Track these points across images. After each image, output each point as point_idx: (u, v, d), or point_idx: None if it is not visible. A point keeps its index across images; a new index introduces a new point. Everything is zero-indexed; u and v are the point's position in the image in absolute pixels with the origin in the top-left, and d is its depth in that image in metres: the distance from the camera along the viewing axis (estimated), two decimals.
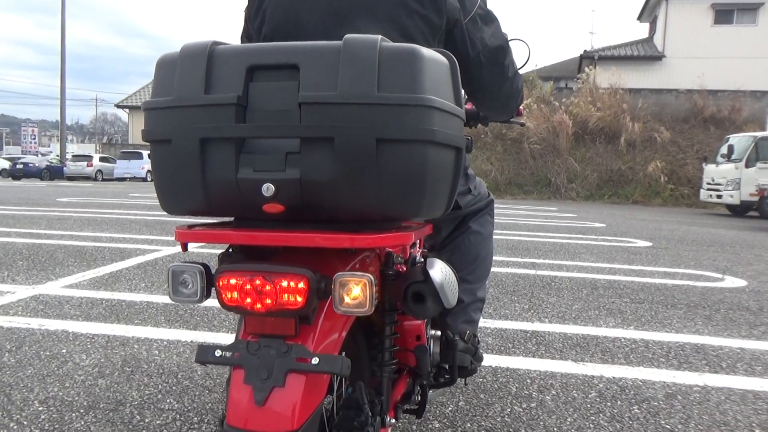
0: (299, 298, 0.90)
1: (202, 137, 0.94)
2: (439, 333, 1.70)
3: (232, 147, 0.94)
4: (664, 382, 2.48)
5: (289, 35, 1.37)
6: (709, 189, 14.68)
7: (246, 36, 1.53)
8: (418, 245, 1.53)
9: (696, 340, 3.14)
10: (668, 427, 2.04)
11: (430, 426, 1.98)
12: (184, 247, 1.04)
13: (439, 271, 1.09)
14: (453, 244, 1.72)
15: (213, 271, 0.98)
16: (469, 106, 1.95)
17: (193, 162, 0.95)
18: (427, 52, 0.96)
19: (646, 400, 2.26)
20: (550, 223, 10.03)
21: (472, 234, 1.72)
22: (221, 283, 0.93)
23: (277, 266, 0.92)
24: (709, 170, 14.81)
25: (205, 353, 0.95)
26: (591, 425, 2.03)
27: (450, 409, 2.13)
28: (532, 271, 5.06)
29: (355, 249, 1.04)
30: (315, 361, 0.90)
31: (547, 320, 3.43)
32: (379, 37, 0.94)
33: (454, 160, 1.08)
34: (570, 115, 19.33)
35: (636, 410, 2.17)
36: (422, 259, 1.29)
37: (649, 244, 7.43)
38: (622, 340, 3.09)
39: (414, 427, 1.97)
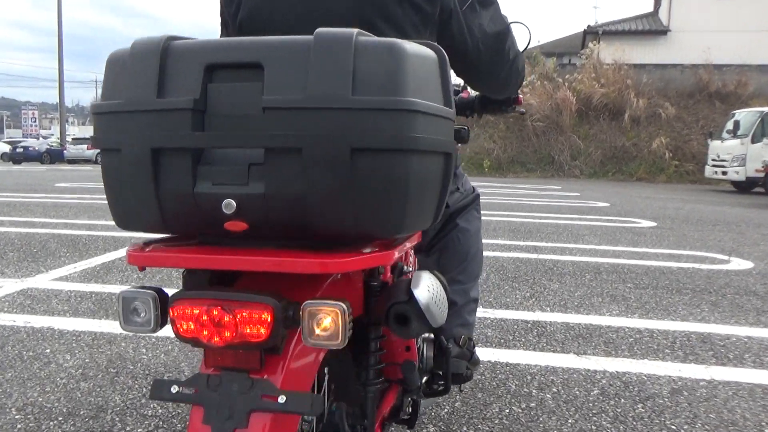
0: (263, 330, 0.80)
1: (154, 147, 0.83)
2: (432, 336, 1.61)
3: (188, 157, 0.83)
4: (669, 376, 2.39)
5: (265, 23, 1.25)
6: (714, 165, 14.49)
7: (222, 23, 1.41)
8: (407, 253, 1.43)
9: (702, 328, 3.04)
10: (674, 427, 1.95)
11: (424, 430, 1.90)
12: (142, 268, 0.93)
13: (425, 289, 0.98)
14: (441, 244, 1.62)
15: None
16: (465, 94, 1.85)
17: (145, 174, 0.84)
18: (411, 46, 0.85)
19: (651, 398, 2.17)
20: (553, 203, 9.91)
21: (459, 231, 1.62)
22: (175, 313, 0.83)
23: (238, 294, 0.82)
24: (715, 146, 14.59)
25: (160, 389, 0.85)
26: (593, 427, 1.94)
27: (446, 411, 2.04)
28: (534, 255, 4.96)
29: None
30: (282, 399, 0.81)
31: (548, 309, 3.34)
32: (356, 30, 0.82)
33: (443, 167, 0.97)
34: (573, 91, 19.04)
35: (640, 409, 2.07)
36: (410, 269, 1.19)
37: (654, 224, 7.31)
38: (626, 329, 2.99)
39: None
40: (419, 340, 1.54)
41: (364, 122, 0.79)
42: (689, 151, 17.88)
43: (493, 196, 10.53)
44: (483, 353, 2.57)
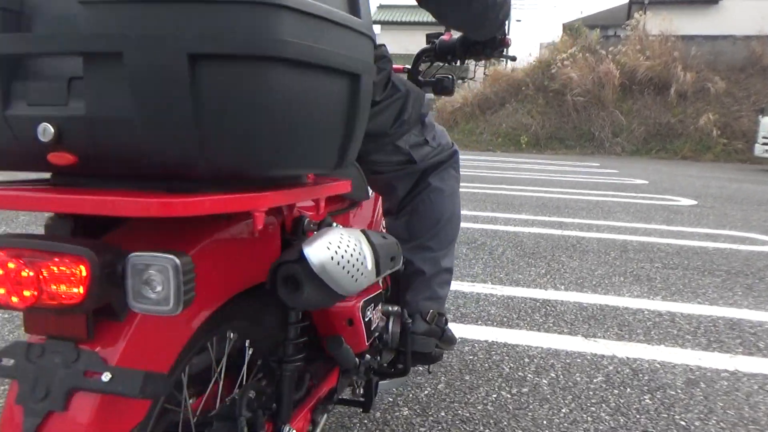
0: (79, 290, 0.62)
1: None
2: (400, 309, 1.42)
3: None
4: (686, 365, 2.14)
5: None
6: (764, 144, 13.68)
7: None
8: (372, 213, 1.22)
9: (732, 313, 2.76)
10: (683, 423, 1.72)
11: (397, 413, 1.71)
12: None
13: (323, 246, 0.78)
14: (411, 206, 1.41)
15: None
16: (447, 36, 1.63)
17: None
18: None
19: (662, 388, 1.94)
20: (588, 179, 9.49)
21: (432, 192, 1.40)
22: None
23: (48, 242, 0.63)
24: (766, 123, 13.77)
25: None
26: (589, 419, 1.72)
27: (426, 392, 1.85)
28: (557, 231, 4.67)
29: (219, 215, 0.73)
30: (106, 377, 0.63)
31: (563, 287, 3.10)
32: None
33: (348, 92, 0.76)
34: (617, 64, 18.22)
35: (647, 401, 1.84)
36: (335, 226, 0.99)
37: (694, 202, 6.89)
38: (645, 312, 2.73)
39: (378, 414, 1.70)
40: (369, 312, 1.33)
41: (207, 20, 0.59)
42: (739, 129, 16.94)
43: (524, 172, 10.17)
44: (481, 332, 2.37)
